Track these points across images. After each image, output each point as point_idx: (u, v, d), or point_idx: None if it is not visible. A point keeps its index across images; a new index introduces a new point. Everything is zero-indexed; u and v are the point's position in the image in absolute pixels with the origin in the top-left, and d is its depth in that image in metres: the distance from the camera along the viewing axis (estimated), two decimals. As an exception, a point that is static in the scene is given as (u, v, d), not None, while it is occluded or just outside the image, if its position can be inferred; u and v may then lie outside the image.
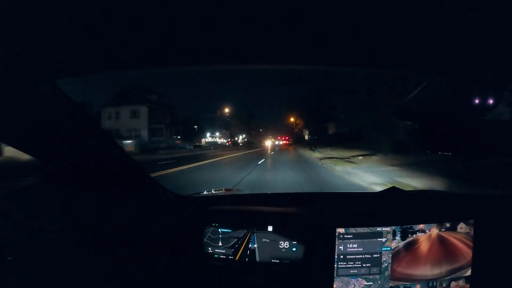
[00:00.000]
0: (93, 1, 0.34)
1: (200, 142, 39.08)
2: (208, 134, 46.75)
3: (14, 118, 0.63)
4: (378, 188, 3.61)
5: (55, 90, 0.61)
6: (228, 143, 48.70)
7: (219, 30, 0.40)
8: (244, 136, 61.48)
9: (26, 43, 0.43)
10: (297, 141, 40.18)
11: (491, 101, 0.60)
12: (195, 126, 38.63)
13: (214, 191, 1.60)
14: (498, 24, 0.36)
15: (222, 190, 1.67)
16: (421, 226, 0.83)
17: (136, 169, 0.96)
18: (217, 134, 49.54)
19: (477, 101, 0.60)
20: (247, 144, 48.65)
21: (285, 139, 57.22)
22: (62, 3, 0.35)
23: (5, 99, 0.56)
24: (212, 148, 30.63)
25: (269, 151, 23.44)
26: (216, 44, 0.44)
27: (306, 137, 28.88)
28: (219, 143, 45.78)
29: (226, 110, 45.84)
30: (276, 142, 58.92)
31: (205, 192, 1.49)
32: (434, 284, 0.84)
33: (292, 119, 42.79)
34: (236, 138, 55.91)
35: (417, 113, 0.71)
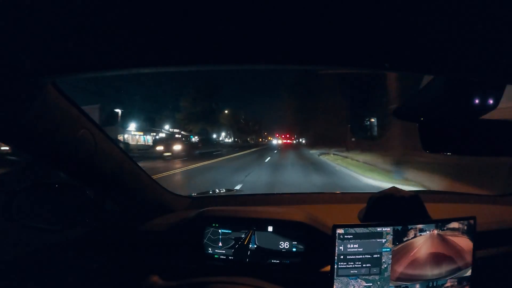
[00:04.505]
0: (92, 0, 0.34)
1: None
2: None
3: (13, 117, 0.63)
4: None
5: (55, 89, 0.61)
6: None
7: (218, 30, 0.40)
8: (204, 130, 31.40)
9: (25, 41, 0.43)
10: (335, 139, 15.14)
11: (491, 101, 0.59)
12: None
13: (214, 191, 1.59)
14: (498, 24, 0.36)
15: (222, 190, 1.68)
16: (421, 226, 0.83)
17: (135, 169, 0.96)
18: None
19: (477, 101, 0.60)
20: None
21: (285, 138, 34.73)
22: (61, 2, 0.34)
23: (4, 98, 0.56)
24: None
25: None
26: (215, 45, 0.44)
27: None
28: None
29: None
30: (275, 142, 36.03)
31: (204, 193, 1.49)
32: (434, 284, 0.83)
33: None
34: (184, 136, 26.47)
35: (417, 113, 0.71)
